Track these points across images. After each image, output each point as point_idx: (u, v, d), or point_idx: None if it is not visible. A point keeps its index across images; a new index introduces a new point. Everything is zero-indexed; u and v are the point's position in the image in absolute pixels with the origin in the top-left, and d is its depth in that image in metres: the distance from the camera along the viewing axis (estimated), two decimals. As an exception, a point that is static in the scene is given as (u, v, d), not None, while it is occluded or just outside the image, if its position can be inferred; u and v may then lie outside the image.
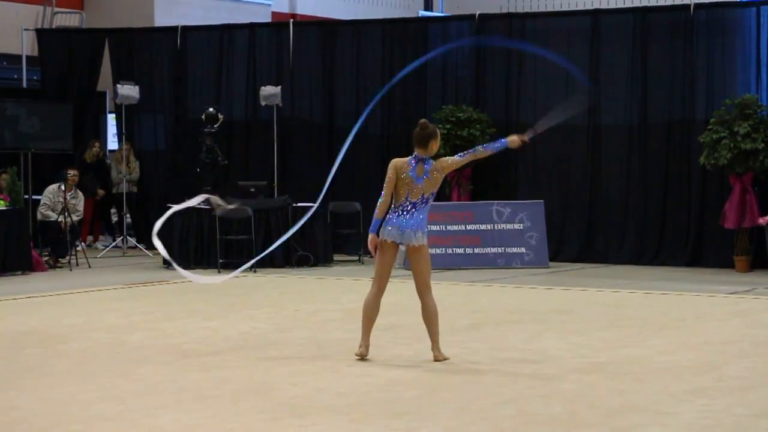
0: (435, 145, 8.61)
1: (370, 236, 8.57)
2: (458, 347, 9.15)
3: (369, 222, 18.00)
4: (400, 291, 13.27)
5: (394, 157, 19.31)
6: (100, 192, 18.99)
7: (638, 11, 16.67)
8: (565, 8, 21.80)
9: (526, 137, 8.65)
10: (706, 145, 15.24)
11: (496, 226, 16.00)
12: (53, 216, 16.25)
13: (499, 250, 15.95)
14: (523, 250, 15.94)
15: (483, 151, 8.76)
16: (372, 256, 8.76)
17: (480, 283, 14.19)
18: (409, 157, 8.58)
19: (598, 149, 16.73)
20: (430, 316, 8.65)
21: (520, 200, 16.49)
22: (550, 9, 23.06)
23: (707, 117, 15.68)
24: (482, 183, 17.10)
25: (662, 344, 9.38)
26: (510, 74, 17.24)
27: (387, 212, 8.54)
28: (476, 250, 15.92)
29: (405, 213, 8.50)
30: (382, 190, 8.55)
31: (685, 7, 16.27)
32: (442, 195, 17.09)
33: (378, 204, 8.51)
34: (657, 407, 7.06)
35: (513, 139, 8.63)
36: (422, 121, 8.72)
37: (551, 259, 16.14)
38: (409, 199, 8.50)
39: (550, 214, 16.29)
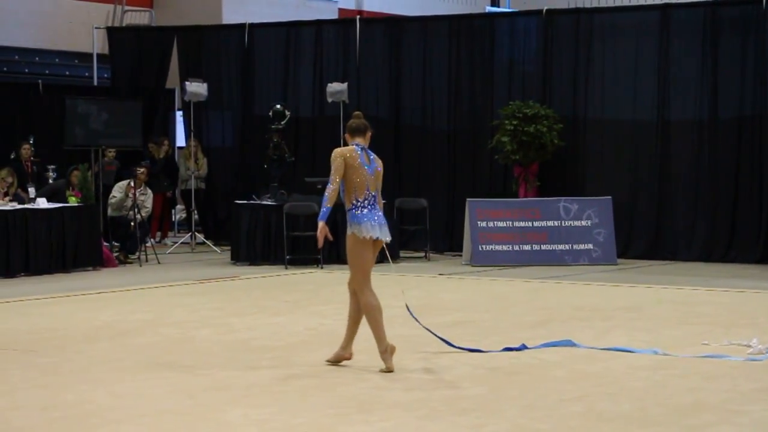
0: (369, 136, 8.36)
1: (321, 224, 8.10)
2: (527, 344, 9.10)
3: (436, 218, 18.06)
4: (465, 287, 13.26)
5: (460, 154, 19.29)
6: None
7: (709, 5, 16.43)
8: (633, 2, 21.57)
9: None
10: (778, 140, 15.02)
11: (563, 223, 15.90)
12: (122, 212, 16.48)
13: (567, 246, 15.83)
14: (590, 246, 15.81)
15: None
16: (320, 247, 8.33)
17: (547, 280, 14.10)
18: (352, 146, 8.22)
19: (667, 145, 16.54)
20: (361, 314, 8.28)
21: (587, 196, 16.36)
22: (618, 3, 22.85)
23: (779, 112, 15.45)
24: (549, 179, 16.99)
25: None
26: (578, 70, 17.10)
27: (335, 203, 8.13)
28: (543, 247, 15.83)
29: (372, 207, 8.20)
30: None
31: (758, 1, 16.02)
32: (509, 191, 17.05)
33: (329, 192, 8.07)
34: (728, 405, 6.97)
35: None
36: (357, 111, 8.53)
37: (619, 256, 15.98)
38: (369, 190, 8.20)
39: (619, 211, 16.13)
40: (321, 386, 7.62)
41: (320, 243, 8.19)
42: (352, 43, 18.76)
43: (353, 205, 8.20)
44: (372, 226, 8.14)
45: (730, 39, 16.21)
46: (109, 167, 18.07)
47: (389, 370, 8.05)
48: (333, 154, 8.20)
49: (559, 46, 17.28)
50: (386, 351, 8.13)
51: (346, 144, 8.44)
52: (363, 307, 8.20)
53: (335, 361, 8.29)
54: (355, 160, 8.16)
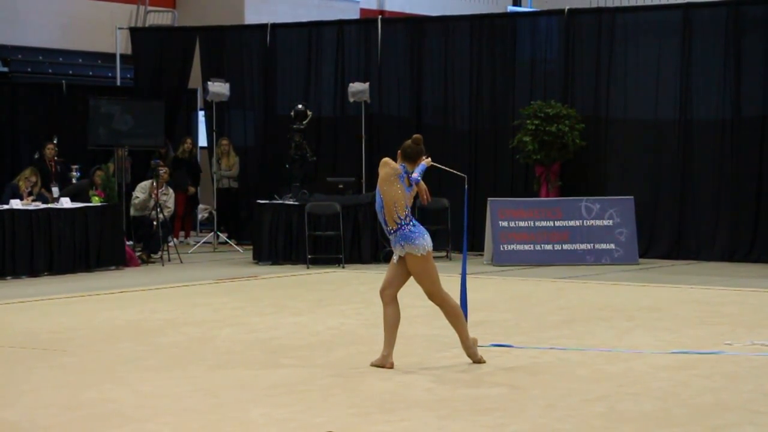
0: (420, 162, 8.52)
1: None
2: (547, 344, 9.10)
3: (457, 218, 18.06)
4: (487, 287, 13.26)
5: (481, 154, 19.25)
6: (191, 189, 19.18)
7: (731, 4, 16.34)
8: (655, 2, 21.50)
9: None
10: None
11: (585, 222, 15.86)
12: (145, 212, 16.54)
13: (588, 246, 15.80)
14: (612, 246, 15.77)
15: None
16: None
17: (569, 279, 14.09)
18: (399, 167, 8.47)
19: (689, 144, 16.47)
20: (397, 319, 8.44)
21: (609, 196, 16.32)
22: (640, 3, 22.78)
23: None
24: (571, 179, 16.95)
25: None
26: (599, 69, 17.05)
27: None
28: (565, 247, 15.80)
29: (415, 222, 8.46)
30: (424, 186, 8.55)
31: (781, 0, 15.96)
32: (530, 191, 17.02)
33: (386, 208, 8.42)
34: (750, 406, 6.95)
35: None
36: (418, 135, 8.69)
37: (641, 256, 15.94)
38: (408, 207, 8.48)
39: (640, 210, 16.08)
40: (342, 386, 7.63)
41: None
42: (373, 43, 18.76)
43: (398, 224, 8.31)
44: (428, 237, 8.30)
45: (753, 38, 16.14)
46: (122, 163, 18.10)
47: (481, 361, 8.25)
48: (387, 162, 8.46)
49: (581, 45, 17.24)
50: (473, 346, 8.30)
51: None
52: (456, 310, 8.30)
53: (379, 366, 8.21)
54: (395, 175, 8.38)
